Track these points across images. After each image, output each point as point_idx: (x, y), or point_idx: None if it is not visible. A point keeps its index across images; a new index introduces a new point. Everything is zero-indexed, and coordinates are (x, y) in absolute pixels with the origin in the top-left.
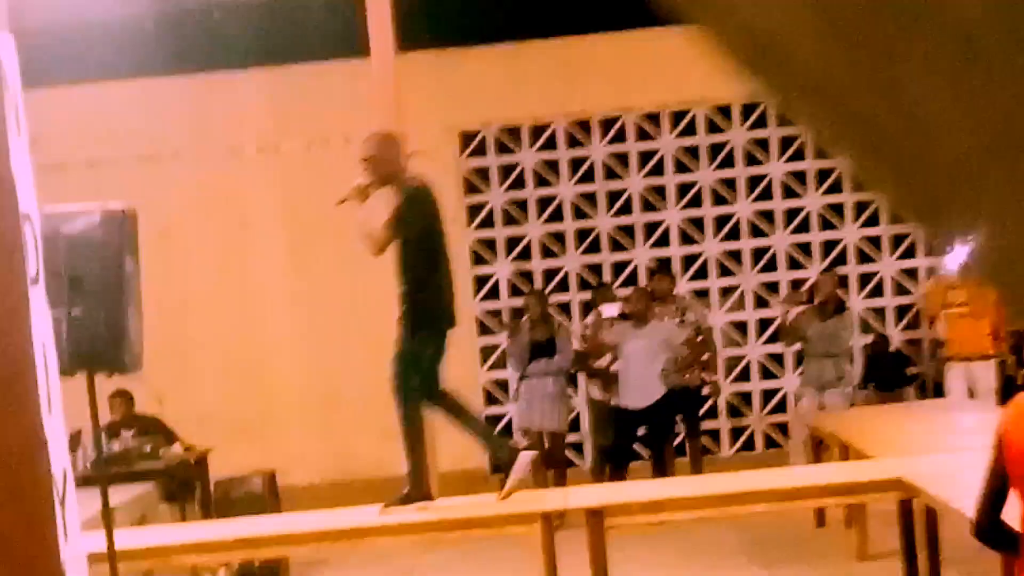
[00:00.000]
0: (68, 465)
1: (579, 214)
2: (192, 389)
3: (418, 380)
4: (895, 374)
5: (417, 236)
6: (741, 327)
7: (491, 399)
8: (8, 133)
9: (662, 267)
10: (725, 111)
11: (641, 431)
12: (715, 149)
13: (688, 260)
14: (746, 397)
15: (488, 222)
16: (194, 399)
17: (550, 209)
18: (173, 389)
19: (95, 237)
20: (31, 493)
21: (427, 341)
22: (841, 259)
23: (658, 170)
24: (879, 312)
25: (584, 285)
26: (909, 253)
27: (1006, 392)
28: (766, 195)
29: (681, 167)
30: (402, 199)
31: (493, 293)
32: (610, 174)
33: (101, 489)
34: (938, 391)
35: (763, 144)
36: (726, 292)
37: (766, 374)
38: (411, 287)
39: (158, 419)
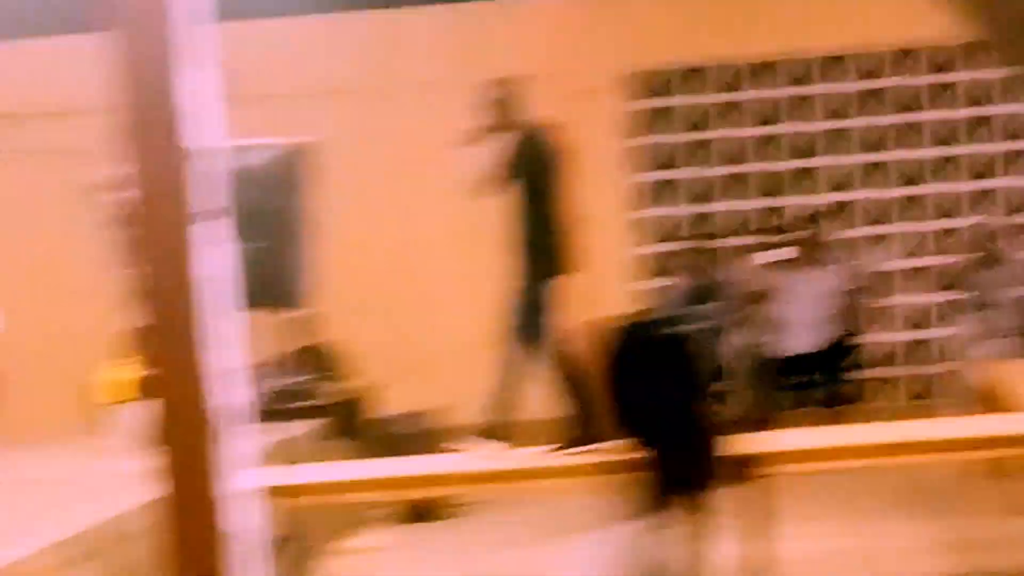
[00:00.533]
0: (240, 400)
1: (735, 160)
2: (364, 325)
3: (528, 326)
4: None
5: (529, 182)
6: (913, 274)
7: None
8: (193, 66)
9: (829, 213)
10: (909, 55)
11: (799, 378)
12: (898, 93)
13: (865, 206)
14: (905, 347)
15: (651, 165)
16: (365, 335)
17: (721, 153)
18: (345, 325)
19: (273, 171)
20: (197, 428)
21: (540, 288)
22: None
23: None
24: None
25: (750, 231)
26: None
27: None
28: (947, 140)
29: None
30: (515, 144)
31: (655, 237)
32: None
33: (271, 424)
34: None
35: (949, 88)
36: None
37: (932, 323)
38: (524, 233)
39: (332, 353)
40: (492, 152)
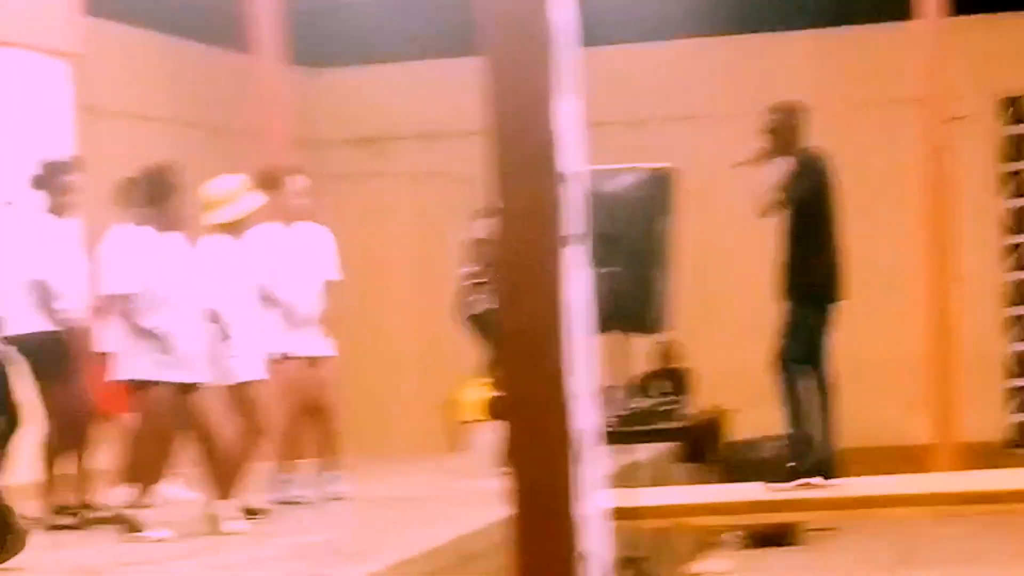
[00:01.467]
0: (595, 422)
1: None
2: (718, 349)
3: (801, 352)
4: None
5: (803, 206)
6: None
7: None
8: (560, 92)
9: None
10: None
11: None
12: None
13: None
14: None
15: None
16: (719, 359)
17: None
18: (699, 348)
19: (633, 196)
20: (552, 449)
21: (809, 313)
22: None
23: None
24: None
25: None
26: None
27: None
28: None
29: None
30: (794, 168)
31: None
32: None
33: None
34: None
35: None
36: None
37: None
38: (794, 257)
39: (688, 375)
40: (772, 176)
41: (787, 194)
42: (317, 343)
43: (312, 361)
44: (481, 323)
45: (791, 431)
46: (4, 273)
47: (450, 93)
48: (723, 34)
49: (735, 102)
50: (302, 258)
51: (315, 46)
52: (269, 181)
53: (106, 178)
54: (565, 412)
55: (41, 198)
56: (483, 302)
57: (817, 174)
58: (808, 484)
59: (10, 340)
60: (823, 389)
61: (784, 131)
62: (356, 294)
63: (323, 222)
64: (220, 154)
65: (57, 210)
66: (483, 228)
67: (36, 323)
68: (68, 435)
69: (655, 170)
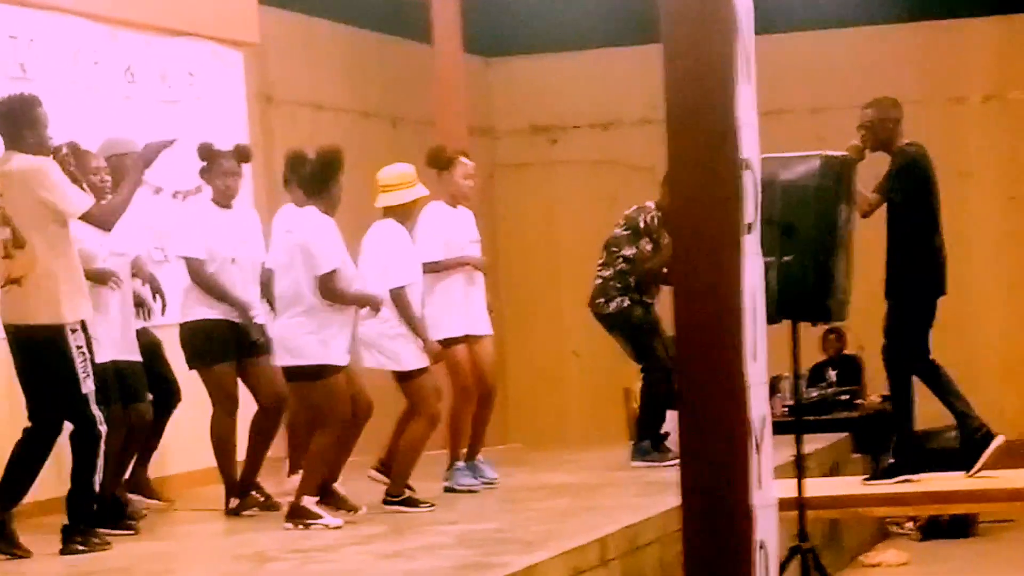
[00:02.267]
0: (767, 411)
1: None
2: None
3: (906, 349)
4: None
5: (906, 202)
6: None
7: None
8: (738, 80)
9: None
10: None
11: None
12: None
13: None
14: None
15: None
16: None
17: None
18: (873, 337)
19: (812, 184)
20: (729, 437)
21: (914, 309)
22: None
23: None
24: None
25: None
26: None
27: None
28: None
29: None
30: (896, 164)
31: None
32: None
33: (796, 437)
34: None
35: None
36: None
37: None
38: (898, 253)
39: (861, 362)
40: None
41: (886, 189)
42: (481, 322)
43: (475, 341)
44: (614, 321)
45: (901, 429)
46: (175, 262)
47: (625, 81)
48: (906, 20)
49: (918, 88)
50: (467, 238)
51: (492, 35)
52: (440, 161)
53: (283, 167)
54: (741, 401)
55: (206, 186)
56: (616, 303)
57: (917, 169)
58: (908, 480)
59: (180, 328)
60: (935, 382)
61: (883, 125)
62: (532, 281)
63: (498, 210)
64: (396, 143)
65: (221, 198)
66: (620, 232)
67: (201, 311)
68: (261, 422)
69: (835, 158)
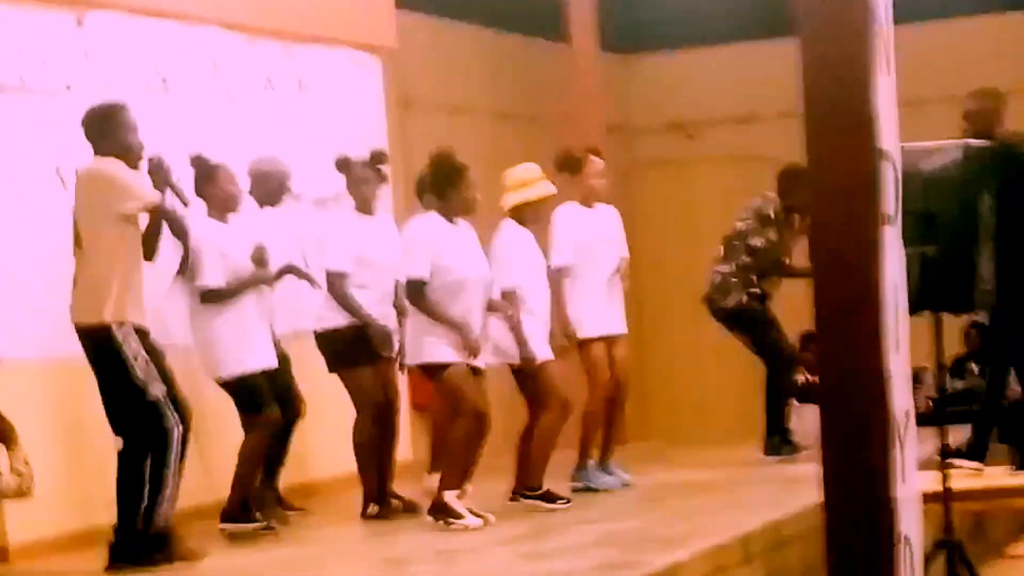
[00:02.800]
0: (910, 404)
1: None
2: None
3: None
4: None
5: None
6: None
7: None
8: (878, 71)
9: None
10: None
11: None
12: None
13: None
14: None
15: None
16: None
17: None
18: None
19: (953, 175)
20: (872, 429)
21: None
22: None
23: None
24: None
25: None
26: None
27: None
28: None
29: None
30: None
31: None
32: None
33: (940, 429)
34: None
35: None
36: None
37: None
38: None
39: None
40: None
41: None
42: (617, 322)
43: (611, 340)
44: (732, 317)
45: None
46: (310, 269)
47: (762, 75)
48: None
49: None
50: (602, 238)
51: (627, 32)
52: (569, 163)
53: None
54: (882, 394)
55: (345, 193)
56: (734, 297)
57: (1008, 161)
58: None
59: (316, 336)
60: None
61: (982, 116)
62: (671, 278)
63: (637, 208)
64: (535, 144)
65: (361, 205)
66: (768, 241)
67: (337, 318)
68: (377, 425)
69: (976, 147)
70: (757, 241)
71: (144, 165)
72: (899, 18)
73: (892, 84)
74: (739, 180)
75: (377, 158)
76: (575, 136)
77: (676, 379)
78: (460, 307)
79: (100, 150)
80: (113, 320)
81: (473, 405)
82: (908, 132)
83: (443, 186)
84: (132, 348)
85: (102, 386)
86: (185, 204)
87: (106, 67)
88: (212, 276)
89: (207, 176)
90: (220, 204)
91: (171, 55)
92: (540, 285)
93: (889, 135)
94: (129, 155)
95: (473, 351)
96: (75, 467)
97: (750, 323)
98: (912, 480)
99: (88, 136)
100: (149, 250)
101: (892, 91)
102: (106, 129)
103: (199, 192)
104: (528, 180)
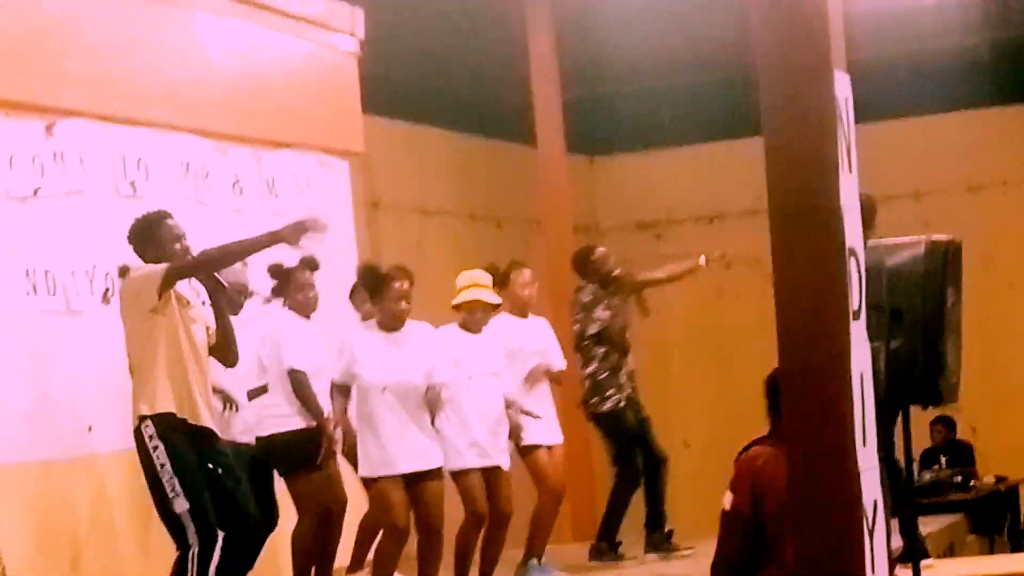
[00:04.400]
0: (879, 496)
1: None
2: (1006, 419)
3: None
4: None
5: None
6: None
7: None
8: (840, 169)
9: None
10: None
11: None
12: None
13: None
14: None
15: None
16: (1006, 429)
17: None
18: (984, 420)
19: (918, 269)
20: (841, 521)
21: None
22: None
23: None
24: None
25: None
26: None
27: None
28: None
29: None
30: None
31: None
32: None
33: (908, 520)
34: None
35: None
36: None
37: None
38: None
39: (972, 447)
40: None
41: None
42: (553, 431)
43: (550, 449)
44: (606, 422)
45: None
46: (252, 375)
47: (729, 174)
48: (1005, 103)
49: (1021, 170)
50: (532, 348)
51: (594, 134)
52: (496, 277)
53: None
54: (854, 485)
55: (283, 297)
56: (611, 401)
57: None
58: None
59: (261, 441)
60: None
61: None
62: (640, 373)
63: None
64: (502, 245)
65: (300, 309)
66: (602, 320)
67: (289, 422)
68: (322, 528)
69: (940, 242)
70: (595, 327)
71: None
72: (862, 117)
73: (855, 181)
74: (707, 277)
75: (308, 264)
76: (545, 237)
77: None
78: (385, 413)
79: (146, 260)
80: (141, 412)
81: (392, 520)
82: (878, 227)
83: (371, 298)
84: (154, 445)
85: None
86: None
87: (75, 172)
88: None
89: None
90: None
91: (141, 161)
92: (470, 389)
93: (854, 232)
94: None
95: (328, 444)
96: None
97: (618, 432)
98: (882, 571)
99: (134, 247)
100: (224, 353)
101: (855, 188)
102: (150, 238)
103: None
104: (460, 286)
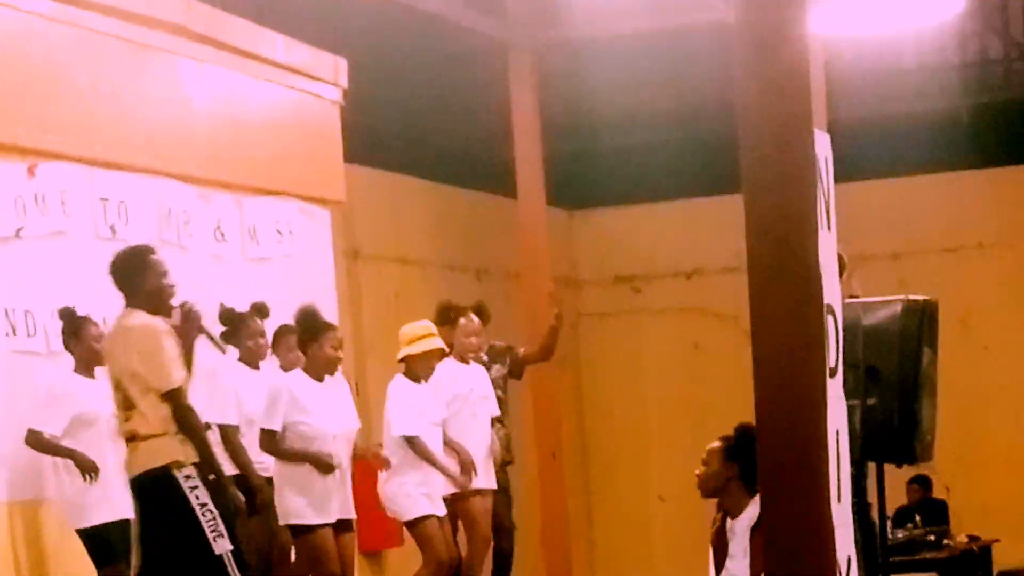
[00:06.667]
0: (853, 552)
1: None
2: (980, 479)
3: None
4: None
5: None
6: None
7: None
8: (819, 228)
9: None
10: None
11: None
12: None
13: None
14: None
15: None
16: (980, 489)
17: None
18: (959, 479)
19: (895, 328)
20: None
21: None
22: None
23: None
24: None
25: None
26: None
27: None
28: None
29: None
30: None
31: None
32: None
33: None
34: None
35: None
36: None
37: None
38: None
39: (947, 505)
40: None
41: None
42: (489, 476)
43: (484, 494)
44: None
45: None
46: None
47: (708, 231)
48: (983, 166)
49: (997, 233)
50: (474, 394)
51: (575, 188)
52: (446, 317)
53: (370, 321)
54: (828, 542)
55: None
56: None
57: None
58: None
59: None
60: None
61: None
62: (617, 428)
63: (583, 359)
64: (481, 296)
65: (249, 357)
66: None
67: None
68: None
69: (917, 302)
70: (498, 392)
71: (176, 314)
72: (841, 176)
73: (834, 241)
74: (685, 332)
75: (258, 310)
76: (524, 289)
77: (623, 527)
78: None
79: (131, 297)
80: (173, 459)
81: (331, 571)
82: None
83: (306, 342)
84: (193, 489)
85: (154, 531)
86: (222, 351)
87: (56, 214)
88: None
89: (74, 330)
90: (85, 358)
91: (122, 204)
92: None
93: (831, 290)
94: (161, 300)
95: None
96: None
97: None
98: None
99: (117, 283)
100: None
101: (834, 248)
102: (135, 273)
103: (65, 346)
104: (415, 336)
